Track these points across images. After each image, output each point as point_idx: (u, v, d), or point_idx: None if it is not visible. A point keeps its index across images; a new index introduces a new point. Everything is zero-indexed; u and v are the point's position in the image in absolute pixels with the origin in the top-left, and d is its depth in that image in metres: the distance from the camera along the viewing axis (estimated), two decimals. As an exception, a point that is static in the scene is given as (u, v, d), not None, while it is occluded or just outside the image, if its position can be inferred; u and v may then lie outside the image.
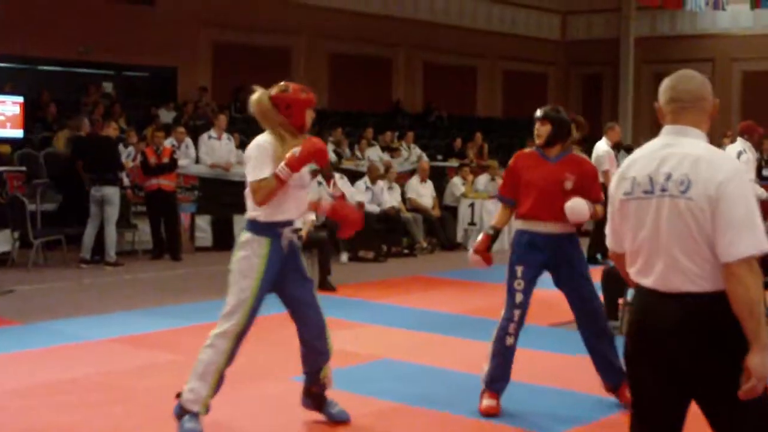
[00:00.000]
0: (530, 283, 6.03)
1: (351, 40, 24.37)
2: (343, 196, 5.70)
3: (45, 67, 20.01)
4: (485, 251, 6.11)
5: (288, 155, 5.04)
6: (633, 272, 3.49)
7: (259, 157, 5.12)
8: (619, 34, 28.86)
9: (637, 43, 28.56)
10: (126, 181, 13.65)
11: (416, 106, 26.06)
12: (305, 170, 5.21)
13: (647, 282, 3.41)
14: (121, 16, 19.84)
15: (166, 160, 13.54)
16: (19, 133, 10.98)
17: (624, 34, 28.67)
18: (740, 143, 10.48)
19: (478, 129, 21.64)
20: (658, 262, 3.36)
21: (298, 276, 5.37)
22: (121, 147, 14.30)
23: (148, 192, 13.55)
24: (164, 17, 20.52)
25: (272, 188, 5.05)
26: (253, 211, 5.20)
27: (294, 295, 5.39)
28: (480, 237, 6.20)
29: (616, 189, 3.55)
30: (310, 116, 5.30)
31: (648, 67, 29.01)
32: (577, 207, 5.86)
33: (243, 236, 5.26)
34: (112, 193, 12.57)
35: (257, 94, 5.26)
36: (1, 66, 18.25)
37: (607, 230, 3.65)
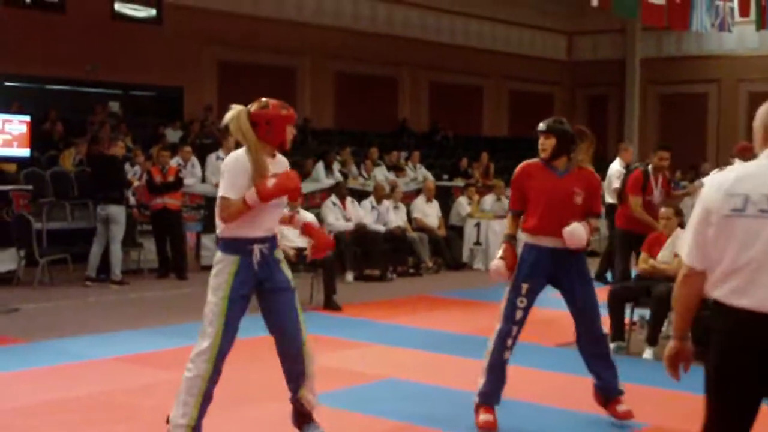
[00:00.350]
0: (532, 301, 6.04)
1: (356, 60, 24.44)
2: (310, 224, 5.62)
3: (52, 86, 20.06)
4: (513, 261, 6.03)
5: (260, 182, 5.00)
6: (725, 291, 3.38)
7: (233, 172, 5.07)
8: (624, 55, 28.90)
9: (642, 64, 28.58)
10: (132, 200, 13.66)
11: (422, 125, 26.09)
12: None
13: (744, 302, 3.31)
14: (128, 35, 19.91)
15: (171, 179, 13.55)
16: (25, 152, 10.99)
17: (630, 55, 28.71)
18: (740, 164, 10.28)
19: (484, 149, 21.64)
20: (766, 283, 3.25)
21: (274, 288, 5.22)
22: (127, 166, 14.32)
23: (153, 211, 13.56)
24: (171, 37, 20.59)
25: (239, 210, 5.02)
26: (220, 229, 5.17)
27: (269, 308, 5.27)
28: (503, 247, 6.08)
29: (719, 204, 3.40)
30: (290, 133, 5.21)
31: (654, 88, 29.07)
32: (576, 232, 5.82)
33: (216, 254, 5.26)
34: (118, 211, 12.57)
35: (235, 110, 5.19)
36: (8, 85, 18.30)
37: (690, 244, 3.51)
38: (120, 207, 12.65)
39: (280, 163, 5.25)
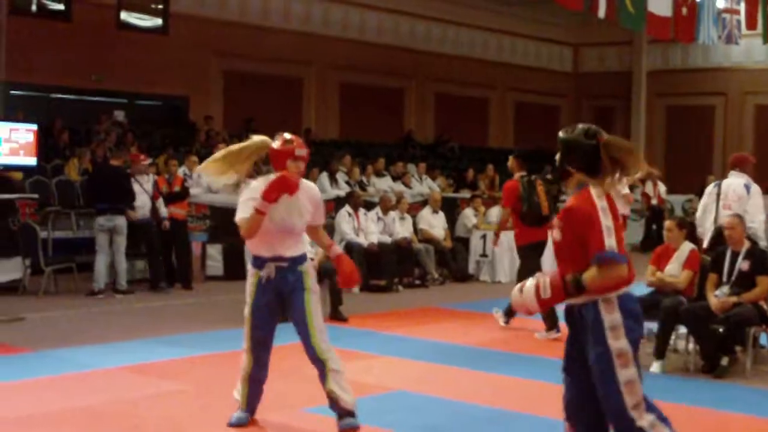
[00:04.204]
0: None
1: (362, 71, 24.46)
2: (341, 256, 5.99)
3: (57, 95, 20.08)
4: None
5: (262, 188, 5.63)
6: None
7: (243, 199, 5.73)
8: (631, 67, 28.89)
9: (649, 76, 28.56)
10: (164, 211, 13.29)
11: (428, 136, 26.08)
12: (290, 217, 5.71)
13: None
14: (134, 45, 19.93)
15: (177, 188, 13.51)
16: (32, 160, 10.98)
17: (636, 67, 28.70)
18: (737, 176, 10.08)
19: (490, 160, 21.61)
20: None
21: (291, 290, 5.81)
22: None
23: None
24: (177, 47, 20.61)
25: (253, 220, 5.61)
26: (248, 244, 5.98)
27: (287, 310, 5.90)
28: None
29: None
30: (294, 167, 5.68)
31: (660, 100, 29.03)
32: (520, 297, 4.50)
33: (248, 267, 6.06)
34: (123, 223, 12.51)
35: (257, 138, 5.85)
36: (14, 93, 18.30)
37: None
38: (124, 218, 12.56)
39: (301, 191, 5.76)
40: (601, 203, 4.37)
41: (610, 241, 4.28)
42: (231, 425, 6.02)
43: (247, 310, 5.91)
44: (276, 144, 5.72)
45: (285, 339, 6.29)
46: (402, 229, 14.75)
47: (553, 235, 4.51)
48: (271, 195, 5.55)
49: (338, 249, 6.00)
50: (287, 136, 5.75)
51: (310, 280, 5.86)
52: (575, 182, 4.50)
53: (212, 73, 21.88)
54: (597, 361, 4.37)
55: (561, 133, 4.56)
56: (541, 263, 9.98)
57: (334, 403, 5.79)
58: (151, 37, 20.54)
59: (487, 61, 27.78)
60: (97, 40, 19.26)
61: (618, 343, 4.35)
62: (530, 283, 4.45)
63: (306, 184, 5.88)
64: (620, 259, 4.30)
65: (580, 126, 4.57)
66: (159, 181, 13.57)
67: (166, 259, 13.47)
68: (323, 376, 5.76)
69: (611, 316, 4.36)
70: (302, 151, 5.70)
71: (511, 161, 10.66)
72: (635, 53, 28.75)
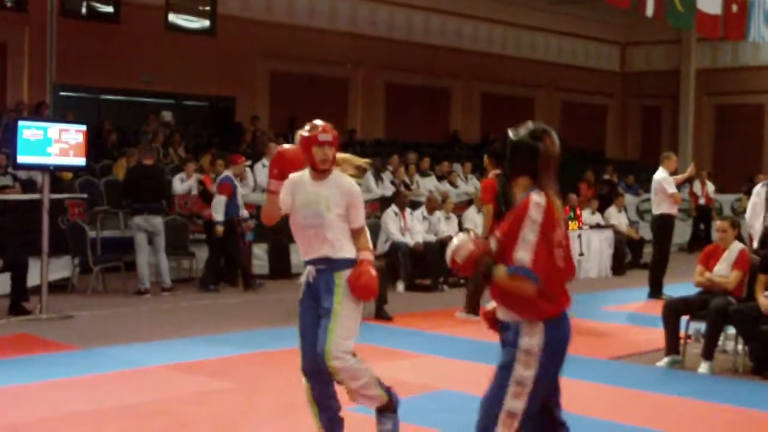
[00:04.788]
0: None
1: (408, 71, 24.45)
2: (369, 262, 5.43)
3: (106, 97, 20.31)
4: None
5: None
6: None
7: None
8: (679, 66, 28.63)
9: (697, 75, 28.30)
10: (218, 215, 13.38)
11: (473, 136, 26.01)
12: (313, 208, 5.29)
13: None
14: (182, 46, 20.12)
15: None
16: (81, 161, 11.07)
17: (684, 66, 28.44)
18: None
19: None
20: None
21: (320, 307, 5.35)
22: (177, 178, 14.48)
23: (207, 221, 13.52)
24: (224, 48, 20.76)
25: (267, 201, 5.48)
26: None
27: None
28: None
29: None
30: (320, 153, 5.29)
31: (709, 99, 28.73)
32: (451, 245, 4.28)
33: None
34: (160, 222, 12.63)
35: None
36: (63, 95, 18.53)
37: None
38: (160, 217, 12.70)
39: (327, 183, 5.36)
40: (534, 213, 4.00)
41: (522, 255, 3.95)
42: None
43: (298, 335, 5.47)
44: (303, 132, 5.39)
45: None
46: (447, 228, 14.72)
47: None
48: (272, 171, 5.38)
49: (367, 255, 5.43)
50: (316, 122, 5.40)
51: (347, 286, 5.30)
52: (521, 187, 4.16)
53: (258, 74, 22.01)
54: (496, 373, 4.16)
55: (509, 133, 4.25)
56: None
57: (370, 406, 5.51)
58: (198, 38, 20.73)
59: (533, 60, 27.66)
60: (145, 42, 19.47)
61: (525, 371, 4.05)
62: (459, 239, 4.20)
63: (337, 176, 5.41)
64: (525, 274, 3.95)
65: (530, 125, 4.25)
66: (205, 180, 13.67)
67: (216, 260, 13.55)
68: (341, 385, 5.36)
69: (528, 341, 4.05)
70: (326, 136, 5.29)
71: (486, 160, 10.75)
72: (684, 52, 28.50)
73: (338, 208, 5.30)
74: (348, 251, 5.37)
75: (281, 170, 5.34)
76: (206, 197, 13.51)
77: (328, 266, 5.32)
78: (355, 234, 5.40)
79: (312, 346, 5.30)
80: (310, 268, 5.39)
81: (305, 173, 5.38)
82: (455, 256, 4.16)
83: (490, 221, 10.20)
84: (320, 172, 5.32)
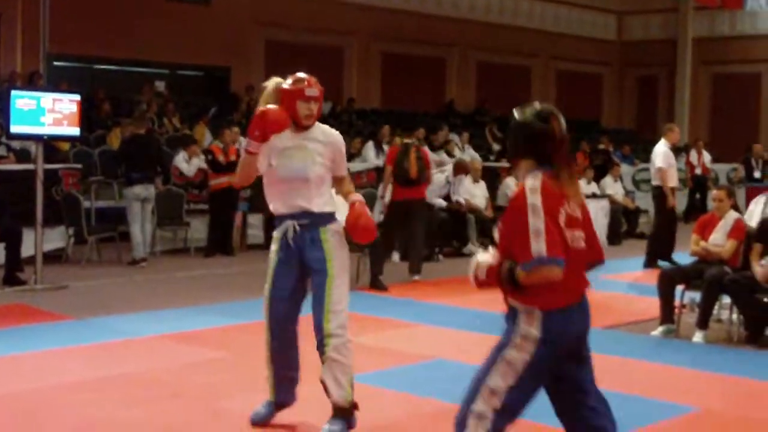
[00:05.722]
0: None
1: (404, 40, 24.35)
2: (361, 202, 5.24)
3: (100, 66, 20.21)
4: None
5: None
6: None
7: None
8: (676, 35, 28.51)
9: (695, 44, 28.18)
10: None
11: (469, 105, 25.93)
12: (296, 163, 5.12)
13: None
14: (177, 15, 19.98)
15: (233, 158, 13.50)
16: (75, 131, 11.02)
17: (682, 35, 28.31)
18: None
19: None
20: None
21: (309, 266, 5.21)
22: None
23: (215, 190, 13.53)
24: (219, 17, 20.64)
25: (243, 160, 5.22)
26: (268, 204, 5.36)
27: (310, 286, 5.32)
28: None
29: None
30: (305, 108, 5.14)
31: (706, 69, 28.64)
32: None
33: None
34: (153, 191, 12.67)
35: (269, 84, 5.31)
36: (57, 65, 18.44)
37: None
38: (154, 187, 12.75)
39: (310, 134, 5.20)
40: (532, 199, 3.76)
41: (538, 246, 3.70)
42: (252, 423, 5.46)
43: (267, 277, 5.33)
44: (286, 84, 5.19)
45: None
46: (477, 191, 15.31)
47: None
48: (252, 131, 5.04)
49: (357, 196, 5.27)
50: (299, 75, 5.22)
51: (335, 242, 5.19)
52: (523, 170, 3.92)
53: (254, 44, 21.89)
54: (491, 352, 3.97)
55: (514, 112, 3.98)
56: (407, 221, 11.65)
57: (326, 393, 5.25)
58: (193, 7, 20.57)
59: (530, 29, 27.53)
60: (139, 11, 19.32)
61: (517, 353, 3.85)
62: (480, 257, 4.05)
63: (321, 128, 5.26)
64: (547, 263, 3.70)
65: (536, 105, 3.98)
66: (215, 149, 13.63)
67: (216, 229, 13.59)
68: (321, 357, 5.18)
69: (526, 327, 3.85)
70: (313, 91, 5.14)
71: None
72: (681, 20, 28.36)
73: (323, 158, 5.18)
74: (330, 205, 5.25)
75: (263, 132, 5.04)
76: (216, 167, 13.46)
77: (311, 221, 5.16)
78: (340, 181, 5.30)
79: (286, 313, 5.27)
80: (289, 223, 5.19)
81: None
82: (478, 273, 4.01)
83: (388, 180, 11.94)
84: (304, 127, 5.20)
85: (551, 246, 3.70)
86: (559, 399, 4.06)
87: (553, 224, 3.75)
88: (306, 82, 5.18)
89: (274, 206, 5.26)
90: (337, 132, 5.36)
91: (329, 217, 5.23)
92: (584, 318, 4.03)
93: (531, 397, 3.89)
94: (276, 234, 5.30)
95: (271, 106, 5.11)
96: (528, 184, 3.81)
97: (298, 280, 5.29)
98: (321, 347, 5.14)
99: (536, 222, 3.73)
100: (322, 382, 5.19)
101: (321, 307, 5.11)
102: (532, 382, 3.87)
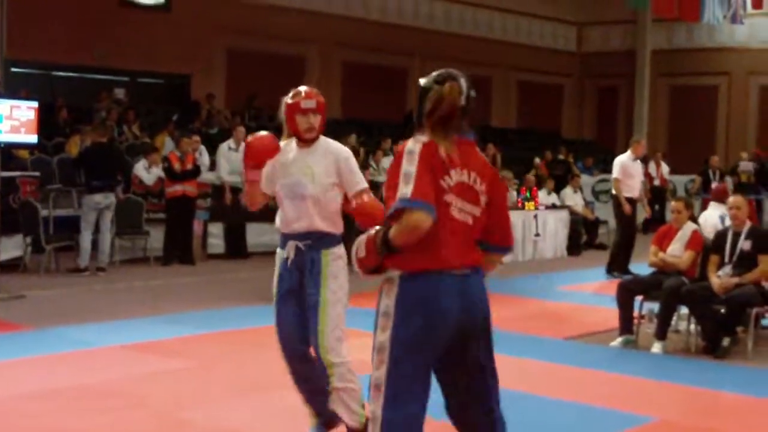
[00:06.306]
0: None
1: (365, 49, 24.37)
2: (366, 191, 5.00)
3: (58, 73, 20.04)
4: None
5: None
6: None
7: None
8: (635, 46, 28.78)
9: (653, 56, 28.46)
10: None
11: (430, 116, 25.95)
12: (294, 177, 4.94)
13: None
14: (137, 22, 19.86)
15: (190, 166, 13.47)
16: (33, 138, 10.93)
17: (640, 46, 28.58)
18: (715, 207, 10.43)
19: (492, 139, 21.51)
20: None
21: (307, 290, 4.98)
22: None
23: (171, 198, 13.47)
24: (180, 24, 20.54)
25: (245, 190, 5.12)
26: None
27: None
28: None
29: None
30: (304, 122, 4.96)
31: (664, 80, 28.94)
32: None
33: None
34: (114, 200, 12.59)
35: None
36: (15, 71, 18.23)
37: None
38: (114, 196, 12.66)
39: (313, 151, 5.02)
40: (411, 146, 3.60)
41: (404, 189, 3.46)
42: None
43: (274, 302, 5.09)
44: (287, 99, 5.01)
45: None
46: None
47: None
48: (245, 162, 4.92)
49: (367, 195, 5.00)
50: (300, 88, 5.04)
51: (334, 265, 4.95)
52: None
53: (215, 51, 21.82)
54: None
55: (420, 80, 3.89)
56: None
57: (333, 419, 5.08)
58: (153, 14, 20.46)
59: (490, 39, 27.67)
60: (99, 18, 19.20)
61: (381, 335, 3.61)
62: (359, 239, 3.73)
63: (325, 142, 5.06)
64: (409, 204, 3.44)
65: (443, 70, 3.87)
66: (171, 157, 13.57)
67: (173, 237, 13.52)
68: (328, 388, 4.97)
69: (385, 302, 3.60)
70: (309, 103, 4.95)
71: None
72: (639, 32, 28.63)
73: (329, 176, 4.95)
74: (336, 226, 5.00)
75: (255, 162, 4.90)
76: (172, 175, 13.40)
77: (314, 242, 4.92)
78: (359, 196, 4.92)
79: (292, 334, 5.00)
80: (291, 243, 4.96)
81: (292, 141, 5.05)
82: (358, 252, 3.67)
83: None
84: (306, 141, 5.01)
85: (418, 189, 3.45)
86: (446, 396, 3.83)
87: (427, 173, 3.50)
88: (303, 95, 5.00)
89: (279, 224, 5.08)
90: (342, 145, 5.16)
91: (332, 239, 4.99)
92: (460, 298, 3.61)
93: (417, 378, 3.58)
94: (278, 253, 5.07)
95: (260, 134, 5.00)
96: (408, 143, 3.64)
97: (299, 304, 5.01)
98: (325, 378, 4.96)
99: (408, 167, 3.52)
100: (334, 412, 5.01)
101: (316, 336, 4.90)
102: (409, 358, 3.54)
